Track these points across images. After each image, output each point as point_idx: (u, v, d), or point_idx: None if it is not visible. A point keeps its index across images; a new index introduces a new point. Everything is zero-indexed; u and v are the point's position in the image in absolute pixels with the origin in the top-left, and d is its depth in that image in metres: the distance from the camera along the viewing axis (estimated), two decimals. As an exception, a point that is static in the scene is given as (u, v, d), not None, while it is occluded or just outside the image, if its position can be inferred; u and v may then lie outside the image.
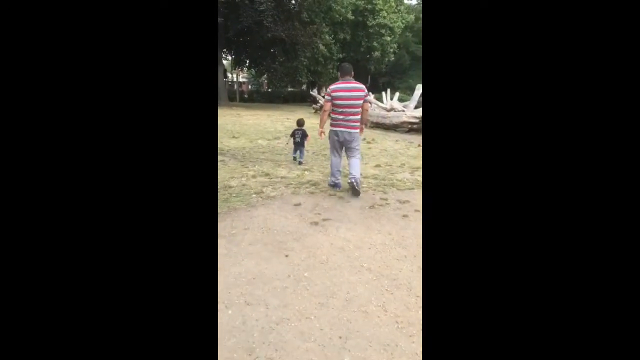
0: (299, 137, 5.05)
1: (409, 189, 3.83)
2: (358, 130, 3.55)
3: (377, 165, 4.95)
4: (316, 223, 2.77)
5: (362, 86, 3.53)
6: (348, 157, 3.63)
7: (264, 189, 3.63)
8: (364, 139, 7.51)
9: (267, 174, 4.21)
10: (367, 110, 3.67)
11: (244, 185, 3.75)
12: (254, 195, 3.42)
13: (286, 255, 2.23)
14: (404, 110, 9.49)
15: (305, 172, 4.44)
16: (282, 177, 4.13)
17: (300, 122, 5.24)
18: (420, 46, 26.47)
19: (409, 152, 6.31)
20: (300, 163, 4.94)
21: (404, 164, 5.12)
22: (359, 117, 3.51)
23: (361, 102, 3.47)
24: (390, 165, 5.03)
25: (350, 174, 3.49)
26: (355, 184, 3.41)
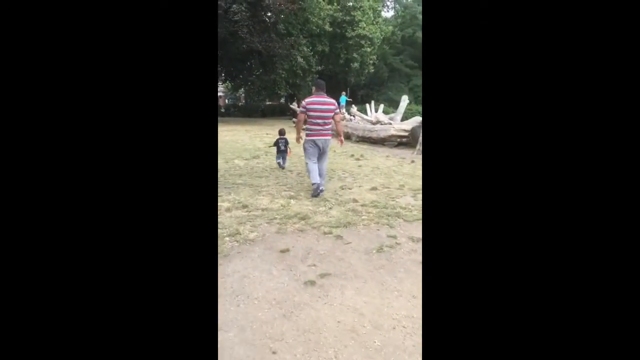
0: (283, 145, 5.55)
1: (417, 219, 3.16)
2: (330, 137, 4.06)
3: (374, 188, 4.28)
4: (312, 283, 2.03)
5: (334, 101, 4.05)
6: (320, 162, 4.04)
7: (241, 228, 2.87)
8: (352, 155, 6.89)
9: (244, 206, 3.45)
10: (339, 122, 4.18)
11: (215, 223, 2.98)
12: (227, 239, 2.65)
13: (273, 352, 1.48)
14: (390, 123, 8.95)
15: (291, 200, 3.71)
16: (263, 210, 3.38)
17: (281, 132, 5.73)
18: (397, 58, 26.54)
19: (404, 169, 5.70)
20: (283, 168, 5.46)
21: (403, 185, 4.47)
22: (330, 127, 4.03)
23: (332, 114, 3.95)
24: (388, 187, 4.38)
25: (319, 182, 3.92)
26: (318, 191, 3.88)
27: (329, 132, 4.03)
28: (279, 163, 5.57)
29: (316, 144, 3.92)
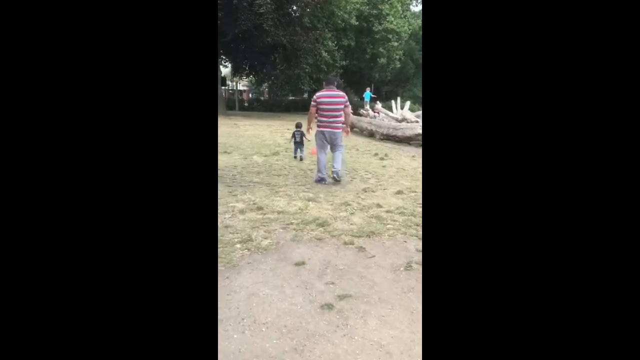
0: (299, 137, 5.77)
1: (450, 230, 2.82)
2: (341, 130, 4.24)
3: (399, 192, 3.95)
4: (330, 307, 1.76)
5: (343, 94, 4.22)
6: (333, 151, 4.27)
7: (254, 234, 2.62)
8: (376, 154, 6.56)
9: (260, 208, 3.21)
10: (348, 115, 4.42)
11: (226, 227, 2.75)
12: (238, 247, 2.41)
13: (280, 403, 1.22)
14: (417, 121, 8.53)
15: (310, 203, 3.43)
16: (279, 212, 3.13)
17: (298, 125, 5.88)
18: (425, 54, 25.71)
19: (432, 171, 5.32)
20: (301, 159, 5.67)
21: (431, 190, 4.12)
22: (341, 119, 4.20)
23: (342, 107, 4.14)
24: (415, 192, 4.03)
25: (333, 167, 4.25)
26: (336, 175, 4.20)
27: (338, 124, 4.21)
28: (295, 157, 5.78)
29: (324, 135, 4.20)
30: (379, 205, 3.42)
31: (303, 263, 2.21)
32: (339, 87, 4.46)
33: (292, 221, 2.92)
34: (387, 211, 3.27)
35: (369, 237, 2.66)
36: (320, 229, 2.79)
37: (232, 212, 3.10)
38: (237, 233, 2.63)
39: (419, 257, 2.35)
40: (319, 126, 4.24)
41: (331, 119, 4.16)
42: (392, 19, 18.14)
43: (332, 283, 1.98)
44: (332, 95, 4.14)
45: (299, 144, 5.78)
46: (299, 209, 3.24)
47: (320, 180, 4.24)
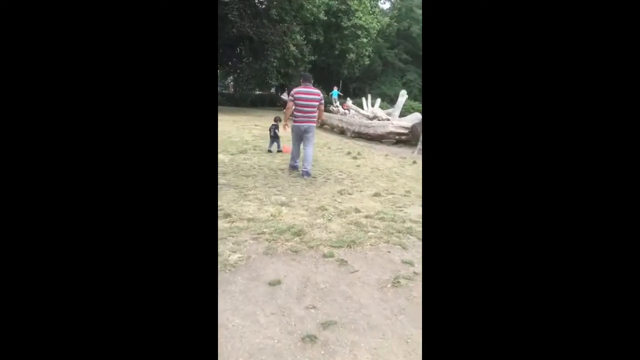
0: (273, 131, 5.98)
1: (434, 237, 2.65)
2: (314, 124, 4.54)
3: (377, 195, 3.76)
4: (313, 339, 1.50)
5: (319, 91, 4.57)
6: (304, 146, 4.51)
7: (221, 247, 2.30)
8: (349, 153, 6.37)
9: (227, 215, 2.88)
10: (322, 111, 4.67)
11: (188, 238, 2.40)
12: (202, 264, 2.09)
13: None
14: (389, 119, 8.44)
15: (283, 208, 3.15)
16: (249, 220, 2.82)
17: (276, 119, 6.12)
18: (392, 52, 25.94)
19: (406, 171, 5.20)
20: (279, 151, 5.88)
21: (409, 192, 3.97)
22: (315, 114, 4.50)
23: (317, 103, 4.44)
24: (393, 194, 3.86)
25: (304, 166, 4.45)
26: (306, 175, 4.39)
27: (313, 119, 4.50)
28: (269, 150, 5.93)
29: (300, 129, 4.46)
30: (357, 210, 3.20)
31: (278, 282, 1.93)
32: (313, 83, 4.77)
33: (264, 230, 2.63)
34: (366, 216, 3.05)
35: (350, 247, 2.43)
36: (296, 238, 2.52)
37: (195, 220, 2.74)
38: (201, 246, 2.30)
39: (405, 270, 2.14)
40: (295, 121, 4.49)
41: (306, 114, 4.43)
42: (361, 15, 18.05)
43: (313, 307, 1.72)
44: (309, 92, 4.42)
45: (274, 137, 5.97)
46: (271, 215, 2.95)
47: (293, 168, 4.62)
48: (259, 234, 2.57)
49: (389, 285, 1.96)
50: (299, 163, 4.60)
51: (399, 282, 1.99)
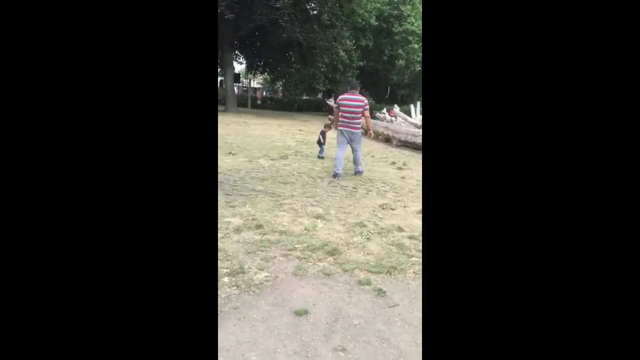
0: (321, 137, 6.17)
1: (490, 268, 2.27)
2: (359, 131, 4.74)
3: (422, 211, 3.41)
4: (339, 395, 1.24)
5: (363, 98, 4.69)
6: (352, 150, 4.82)
7: (248, 263, 2.13)
8: (393, 163, 6.03)
9: (259, 226, 2.71)
10: (368, 117, 4.81)
11: (215, 251, 2.25)
12: (225, 281, 1.92)
13: None
14: (438, 128, 7.94)
15: (318, 221, 2.92)
16: (281, 233, 2.63)
17: (327, 126, 6.50)
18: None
19: (457, 186, 4.75)
20: (322, 158, 5.95)
21: (459, 210, 3.56)
22: (359, 121, 4.68)
23: (361, 109, 4.60)
24: (441, 212, 3.48)
25: (356, 168, 4.91)
26: (358, 174, 4.83)
27: (357, 125, 4.68)
28: (321, 157, 6.03)
29: (343, 134, 4.70)
30: (399, 229, 2.89)
31: (306, 312, 1.70)
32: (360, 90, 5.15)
33: (296, 246, 2.42)
34: (409, 237, 2.74)
35: (390, 273, 2.14)
36: (330, 258, 2.28)
37: (225, 230, 2.61)
38: (227, 260, 2.14)
39: (455, 309, 1.81)
40: (339, 125, 4.74)
41: (350, 120, 4.64)
42: (414, 20, 17.49)
43: (343, 349, 1.47)
44: (352, 99, 4.61)
45: (321, 144, 6.13)
46: (305, 229, 2.73)
47: (336, 176, 4.65)
48: (290, 249, 2.36)
49: (434, 328, 1.65)
50: (340, 169, 4.72)
51: (447, 324, 1.67)
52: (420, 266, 2.26)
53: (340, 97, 4.78)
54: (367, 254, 2.39)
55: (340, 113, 4.69)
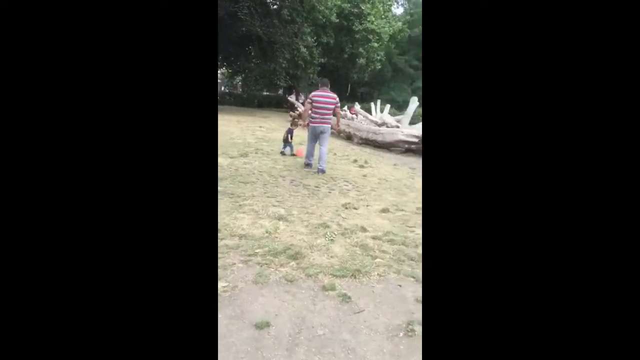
0: (287, 135, 6.01)
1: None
2: (329, 125, 4.92)
3: (385, 210, 3.41)
4: (304, 417, 1.15)
5: (335, 95, 4.88)
6: (320, 145, 4.89)
7: (204, 271, 1.97)
8: (355, 161, 6.03)
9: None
10: (339, 114, 5.11)
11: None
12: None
13: None
14: (398, 126, 8.08)
15: (280, 223, 2.81)
16: (241, 237, 2.48)
17: (293, 124, 6.35)
18: (402, 58, 25.59)
19: (417, 184, 4.84)
20: (293, 155, 5.87)
21: (420, 208, 3.60)
22: (330, 117, 4.87)
23: (332, 107, 4.80)
24: (403, 210, 3.51)
25: (319, 166, 4.83)
26: (321, 172, 4.80)
27: (329, 121, 4.88)
28: (282, 152, 5.93)
29: (316, 130, 4.83)
30: (363, 229, 2.85)
31: (267, 324, 1.58)
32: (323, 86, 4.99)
33: (257, 250, 2.29)
34: (373, 237, 2.70)
35: (355, 277, 2.08)
36: (292, 263, 2.18)
37: (179, 235, 2.41)
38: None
39: (420, 312, 1.79)
40: (311, 122, 4.85)
41: (323, 116, 4.79)
42: (373, 19, 17.72)
43: (308, 365, 1.38)
44: (325, 96, 4.78)
45: (287, 141, 6.00)
46: (267, 231, 2.61)
47: (308, 165, 4.98)
48: (250, 255, 2.23)
49: (401, 334, 1.61)
50: (313, 161, 4.96)
51: (412, 329, 1.63)
52: (385, 268, 2.22)
53: (313, 93, 4.91)
54: (331, 256, 2.32)
55: (312, 109, 4.79)
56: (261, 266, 2.11)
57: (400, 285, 2.04)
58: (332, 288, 1.93)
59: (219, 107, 17.07)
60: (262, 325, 1.57)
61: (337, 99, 4.88)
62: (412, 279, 2.12)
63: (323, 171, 4.81)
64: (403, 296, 1.93)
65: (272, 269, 2.09)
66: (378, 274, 2.14)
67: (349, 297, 1.86)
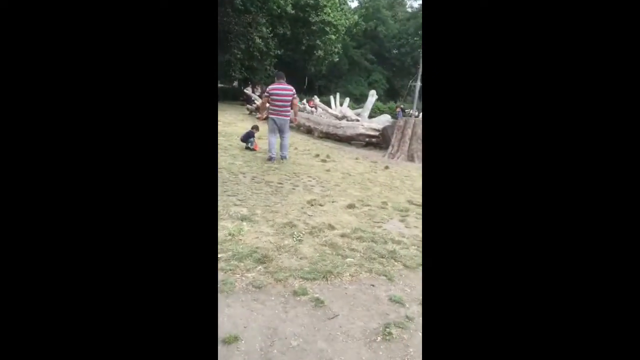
0: (249, 133, 5.91)
1: (420, 264, 2.28)
2: (288, 118, 5.04)
3: (351, 206, 3.35)
4: None
5: (291, 87, 5.01)
6: (281, 138, 5.08)
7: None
8: (317, 155, 5.95)
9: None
10: (296, 105, 5.22)
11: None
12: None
13: None
14: (358, 120, 8.10)
15: (244, 224, 2.65)
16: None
17: (255, 127, 6.07)
18: (358, 51, 25.86)
19: (379, 177, 4.86)
20: (252, 149, 5.72)
21: (385, 203, 3.60)
22: (288, 109, 5.00)
23: (290, 99, 4.93)
24: (369, 205, 3.48)
25: (282, 153, 5.12)
26: (284, 158, 5.11)
27: (288, 113, 5.01)
28: (247, 148, 5.79)
29: (275, 122, 4.96)
30: (330, 227, 2.77)
31: (236, 339, 1.45)
32: (279, 78, 5.07)
33: (220, 255, 2.12)
34: (342, 235, 2.63)
35: (326, 279, 2.00)
36: (260, 267, 2.04)
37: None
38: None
39: (395, 313, 1.74)
40: (270, 114, 4.98)
41: (281, 109, 4.92)
42: (330, 11, 17.63)
43: (284, 381, 1.27)
44: (282, 89, 4.91)
45: (248, 136, 5.97)
46: (230, 234, 2.44)
47: (270, 159, 4.99)
48: (212, 261, 2.05)
49: (378, 339, 1.54)
50: (276, 152, 5.09)
51: (390, 332, 1.58)
52: (356, 267, 2.16)
53: (270, 87, 5.05)
54: (300, 258, 2.21)
55: (271, 102, 4.92)
56: (225, 272, 1.95)
57: (373, 285, 1.99)
58: (304, 292, 1.83)
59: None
60: (230, 340, 1.43)
61: (294, 91, 5.04)
62: (384, 278, 2.07)
63: (285, 157, 5.10)
64: (377, 297, 1.88)
65: (238, 275, 1.94)
66: (350, 275, 2.07)
67: (322, 302, 1.77)
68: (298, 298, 1.79)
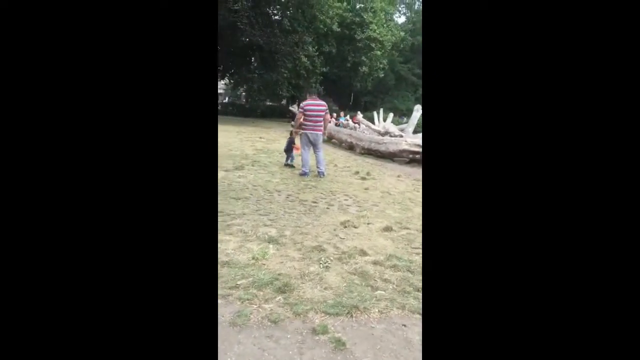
0: (288, 145, 5.95)
1: (464, 300, 1.97)
2: (321, 132, 5.24)
3: (388, 229, 3.10)
4: None
5: (324, 103, 5.35)
6: (315, 152, 5.24)
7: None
8: (357, 173, 5.75)
9: (196, 256, 2.26)
10: (327, 120, 5.52)
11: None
12: None
13: None
14: (401, 135, 7.80)
15: (270, 246, 2.52)
16: (223, 264, 2.19)
17: (292, 133, 6.12)
18: (405, 66, 25.48)
19: (420, 197, 4.52)
20: (290, 165, 5.76)
21: (426, 226, 3.29)
22: (322, 124, 5.21)
23: (323, 114, 5.20)
24: (407, 228, 3.20)
25: (319, 169, 5.21)
26: (321, 175, 5.17)
27: (319, 128, 5.18)
28: (286, 164, 5.84)
29: (309, 137, 5.14)
30: (362, 252, 2.54)
31: (239, 385, 1.28)
32: (318, 95, 5.45)
33: (239, 282, 2.00)
34: (374, 262, 2.40)
35: (351, 315, 1.78)
36: (279, 297, 1.88)
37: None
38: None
39: (429, 363, 1.47)
40: (304, 129, 5.15)
41: (315, 124, 5.12)
42: (375, 27, 17.62)
43: None
44: (316, 104, 5.16)
45: (287, 151, 6.01)
46: (253, 257, 2.31)
47: (304, 174, 5.07)
48: (231, 287, 1.94)
49: (405, 397, 1.29)
50: (309, 167, 5.18)
51: (420, 389, 1.32)
52: (387, 302, 1.91)
53: (304, 103, 5.27)
54: (325, 288, 2.02)
55: (305, 118, 5.10)
56: (242, 302, 1.81)
57: (405, 326, 1.73)
58: (324, 331, 1.63)
59: (222, 117, 16.97)
60: (233, 388, 1.27)
61: (326, 106, 5.35)
62: (418, 316, 1.81)
63: (323, 174, 5.14)
64: (408, 340, 1.62)
65: (255, 306, 1.79)
66: (379, 311, 1.84)
67: (343, 344, 1.56)
68: (317, 337, 1.59)
